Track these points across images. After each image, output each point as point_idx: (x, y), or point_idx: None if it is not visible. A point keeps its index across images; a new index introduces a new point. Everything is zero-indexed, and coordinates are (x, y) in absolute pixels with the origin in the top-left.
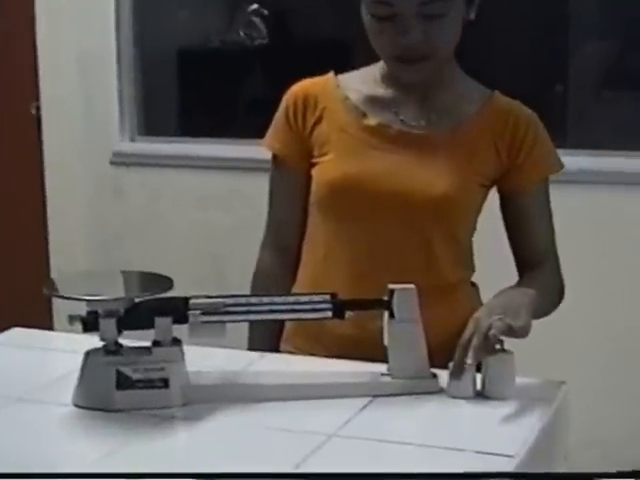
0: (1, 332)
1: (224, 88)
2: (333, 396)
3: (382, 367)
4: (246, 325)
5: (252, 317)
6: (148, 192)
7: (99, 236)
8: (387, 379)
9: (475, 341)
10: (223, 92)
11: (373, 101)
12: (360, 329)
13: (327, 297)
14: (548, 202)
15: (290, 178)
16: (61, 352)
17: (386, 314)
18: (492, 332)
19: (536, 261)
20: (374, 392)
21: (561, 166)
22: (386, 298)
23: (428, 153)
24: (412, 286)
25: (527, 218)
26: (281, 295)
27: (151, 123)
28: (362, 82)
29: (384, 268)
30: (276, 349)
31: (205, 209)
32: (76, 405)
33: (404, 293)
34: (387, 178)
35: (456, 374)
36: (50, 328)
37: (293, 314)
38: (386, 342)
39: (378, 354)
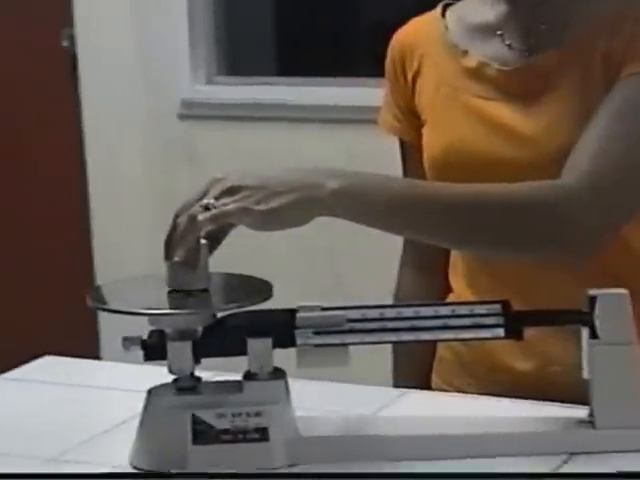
0: (29, 361)
1: (334, 9)
2: (509, 454)
3: (580, 411)
4: (383, 350)
5: (387, 337)
6: (231, 155)
7: (164, 221)
8: (589, 429)
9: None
10: (333, 15)
11: (477, 30)
12: (542, 358)
13: (497, 307)
14: (629, 112)
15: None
16: (112, 390)
17: (585, 333)
18: (199, 217)
19: (567, 165)
20: (570, 448)
21: None
22: (584, 309)
23: (537, 94)
24: (623, 291)
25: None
26: (429, 305)
27: (234, 59)
28: (470, 7)
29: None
30: (426, 383)
31: None
32: (134, 467)
33: (612, 300)
34: (496, 141)
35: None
36: (96, 356)
37: (446, 333)
38: (586, 375)
39: (570, 391)
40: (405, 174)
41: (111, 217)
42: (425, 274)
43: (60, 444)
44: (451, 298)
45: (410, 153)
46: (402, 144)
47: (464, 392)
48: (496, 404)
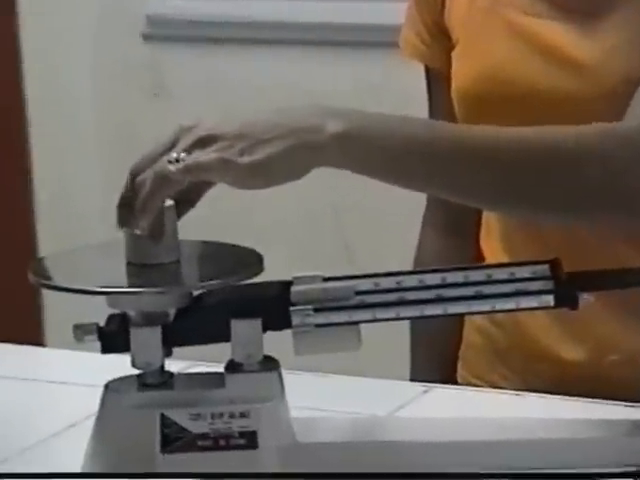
0: None
1: None
2: (556, 467)
3: None
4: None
5: (406, 311)
6: (207, 87)
7: (123, 174)
8: None
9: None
10: None
11: None
12: (598, 345)
13: (544, 269)
14: None
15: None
16: (59, 385)
17: None
18: (170, 168)
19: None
20: (637, 460)
21: None
22: None
23: (599, 13)
24: None
25: None
26: (458, 269)
27: None
28: None
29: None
30: (451, 377)
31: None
32: (88, 476)
33: None
34: (544, 69)
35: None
36: (39, 342)
37: (480, 304)
38: None
39: (634, 387)
40: (432, 113)
41: (54, 168)
42: (452, 236)
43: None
44: (499, 251)
45: (438, 85)
46: (428, 73)
47: (498, 387)
48: (539, 403)
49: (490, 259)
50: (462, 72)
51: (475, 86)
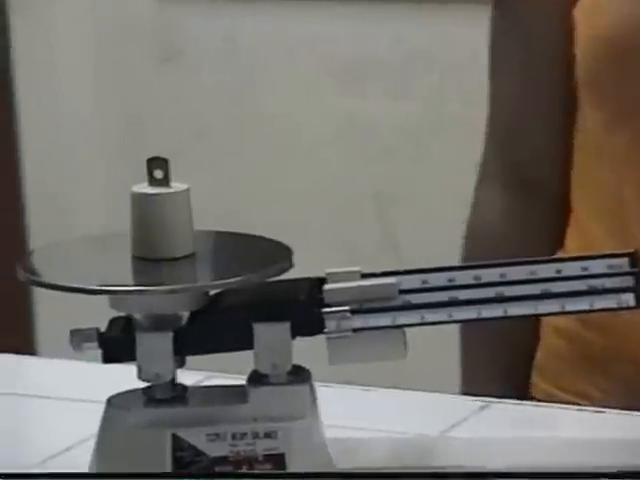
0: None
1: None
2: None
3: None
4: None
5: (460, 313)
6: (226, 50)
7: (128, 154)
8: None
9: None
10: None
11: None
12: None
13: (622, 263)
14: None
15: (533, 32)
16: (52, 401)
17: None
18: None
19: None
20: None
21: None
22: None
23: None
24: None
25: None
26: (518, 263)
27: None
28: None
29: None
30: (520, 389)
31: (348, 85)
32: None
33: None
34: None
35: None
36: (29, 350)
37: (543, 304)
38: None
39: None
40: (496, 42)
41: (49, 148)
42: (527, 197)
43: None
44: (575, 245)
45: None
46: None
47: (591, 400)
48: (623, 420)
49: (584, 234)
50: (603, 15)
51: (624, 38)
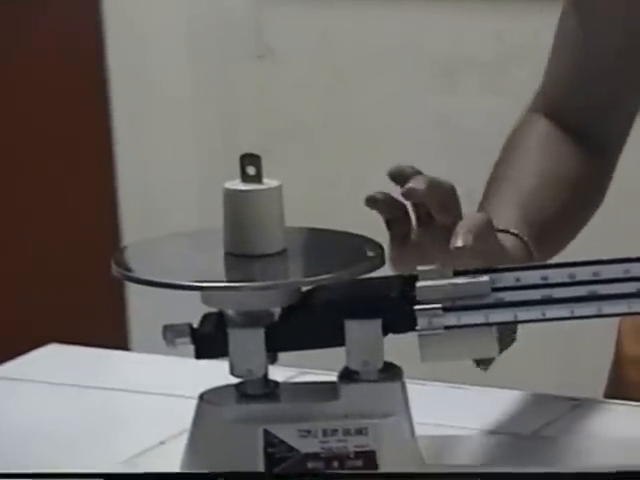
0: (34, 348)
1: None
2: None
3: None
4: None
5: (555, 311)
6: (320, 47)
7: (222, 148)
8: None
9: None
10: None
11: None
12: None
13: None
14: None
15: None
16: (146, 396)
17: None
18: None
19: None
20: None
21: None
22: None
23: None
24: None
25: None
26: (613, 262)
27: None
28: None
29: None
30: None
31: (442, 81)
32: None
33: None
34: None
35: None
36: (123, 346)
37: (637, 303)
38: None
39: None
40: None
41: (143, 143)
42: (569, 132)
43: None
44: None
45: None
46: None
47: None
48: None
49: None
50: None
51: None
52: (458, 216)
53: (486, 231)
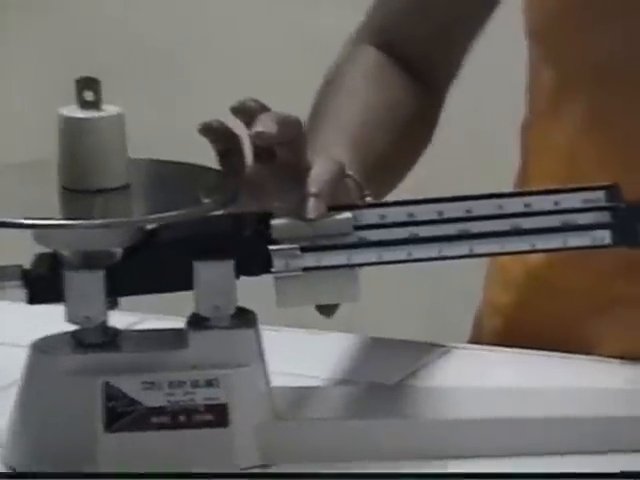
0: None
1: None
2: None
3: None
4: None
5: (420, 251)
6: None
7: (61, 72)
8: None
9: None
10: None
11: None
12: None
13: (598, 196)
14: None
15: None
16: None
17: None
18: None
19: None
20: None
21: None
22: None
23: None
24: None
25: None
26: (485, 197)
27: None
28: None
29: None
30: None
31: None
32: (10, 467)
33: None
34: None
35: None
36: None
37: (512, 241)
38: None
39: None
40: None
41: None
42: (397, 63)
43: None
44: None
45: None
46: None
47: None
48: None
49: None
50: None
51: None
52: (303, 152)
53: (338, 181)
